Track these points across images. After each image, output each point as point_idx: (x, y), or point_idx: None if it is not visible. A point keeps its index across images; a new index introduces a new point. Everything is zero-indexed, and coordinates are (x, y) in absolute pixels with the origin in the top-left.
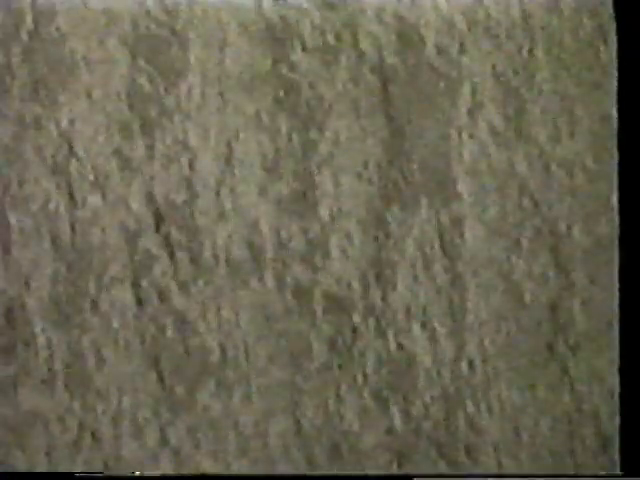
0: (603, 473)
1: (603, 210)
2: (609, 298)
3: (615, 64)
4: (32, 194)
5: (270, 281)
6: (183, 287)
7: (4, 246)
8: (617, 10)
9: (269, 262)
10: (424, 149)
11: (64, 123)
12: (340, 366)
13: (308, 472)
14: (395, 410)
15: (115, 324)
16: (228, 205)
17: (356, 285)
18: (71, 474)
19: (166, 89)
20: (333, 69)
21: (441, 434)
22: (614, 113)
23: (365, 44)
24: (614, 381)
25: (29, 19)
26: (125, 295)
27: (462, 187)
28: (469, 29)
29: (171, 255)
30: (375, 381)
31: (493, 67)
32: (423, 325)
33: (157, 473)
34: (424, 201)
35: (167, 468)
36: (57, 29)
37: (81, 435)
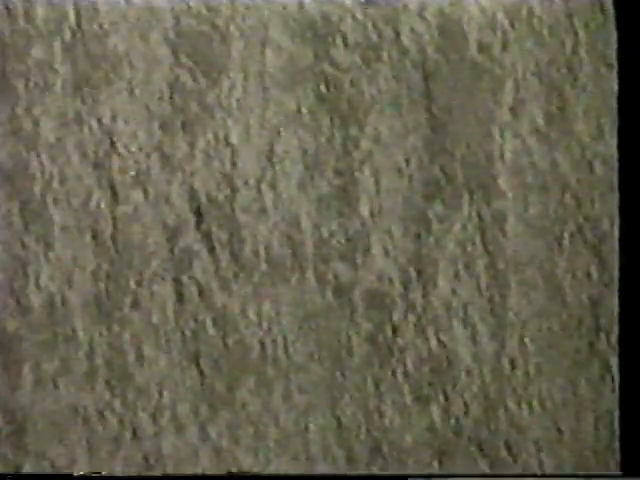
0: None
1: None
2: None
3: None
4: (74, 190)
5: (310, 278)
6: (223, 283)
7: (46, 242)
8: (617, 10)
9: (309, 259)
10: (466, 146)
11: (106, 119)
12: (380, 363)
13: (348, 471)
14: (435, 408)
15: (155, 320)
16: (269, 202)
17: (397, 282)
18: (70, 475)
19: (207, 85)
20: (374, 65)
21: (482, 432)
22: None
23: (407, 40)
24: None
25: (72, 16)
26: (165, 291)
27: (504, 184)
28: (512, 26)
29: (211, 251)
30: (415, 379)
31: (536, 64)
32: (464, 322)
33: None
34: (465, 198)
35: (207, 464)
36: (99, 25)
37: (121, 431)
